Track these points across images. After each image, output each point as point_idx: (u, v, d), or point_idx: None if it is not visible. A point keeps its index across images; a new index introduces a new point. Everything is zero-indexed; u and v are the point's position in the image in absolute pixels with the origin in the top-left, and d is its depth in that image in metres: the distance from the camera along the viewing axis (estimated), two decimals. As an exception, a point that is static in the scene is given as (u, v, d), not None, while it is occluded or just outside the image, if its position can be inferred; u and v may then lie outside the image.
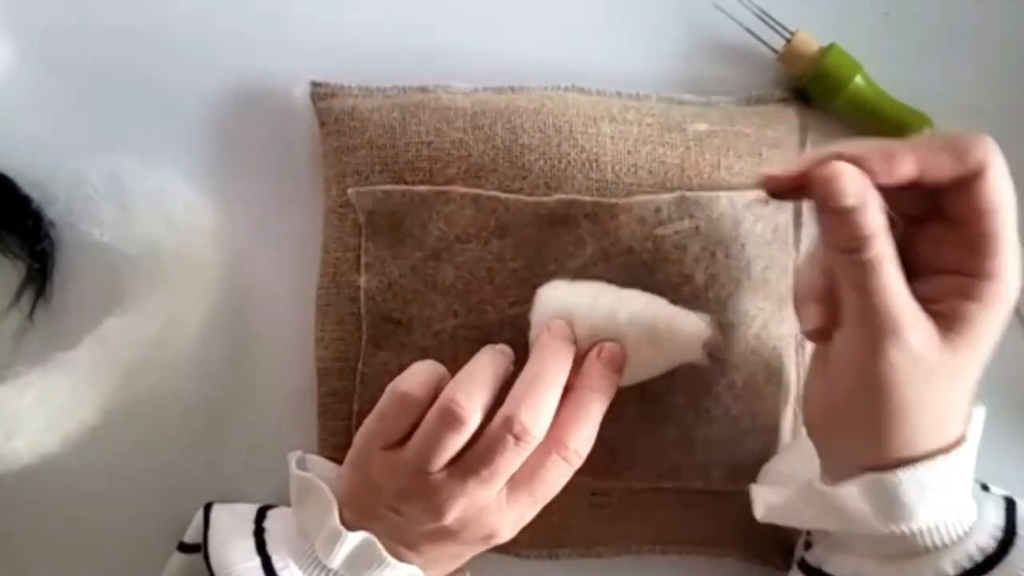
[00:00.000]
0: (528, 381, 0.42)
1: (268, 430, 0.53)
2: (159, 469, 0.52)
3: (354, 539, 0.44)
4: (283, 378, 0.53)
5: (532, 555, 0.51)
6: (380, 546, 0.44)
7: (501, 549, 0.51)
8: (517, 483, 0.43)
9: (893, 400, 0.40)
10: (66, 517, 0.53)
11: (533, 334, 0.46)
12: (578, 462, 0.43)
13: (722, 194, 0.49)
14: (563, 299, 0.45)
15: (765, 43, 0.53)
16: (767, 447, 0.50)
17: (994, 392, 0.53)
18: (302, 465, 0.49)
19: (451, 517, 0.43)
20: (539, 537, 0.51)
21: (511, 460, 0.42)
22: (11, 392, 0.48)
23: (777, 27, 0.53)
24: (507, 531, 0.44)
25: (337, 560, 0.44)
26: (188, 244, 0.51)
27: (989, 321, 0.40)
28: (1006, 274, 0.40)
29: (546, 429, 0.42)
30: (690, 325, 0.45)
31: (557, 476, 0.43)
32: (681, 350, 0.45)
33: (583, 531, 0.51)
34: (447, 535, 0.44)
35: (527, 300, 0.47)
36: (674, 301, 0.48)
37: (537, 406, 0.42)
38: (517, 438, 0.41)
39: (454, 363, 0.48)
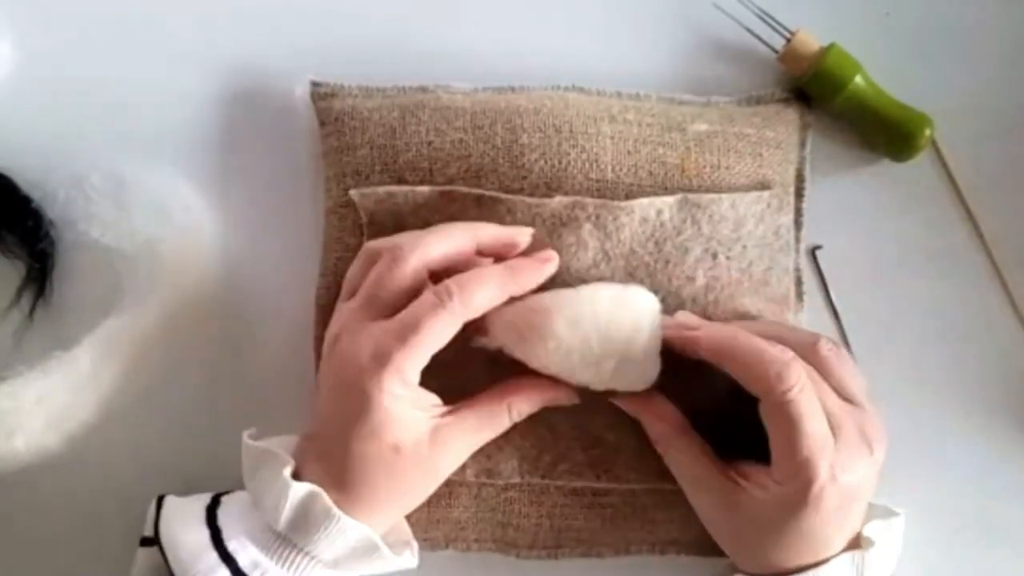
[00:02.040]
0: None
1: (268, 431, 0.52)
2: (159, 468, 0.52)
3: (299, 490, 0.43)
4: (283, 378, 0.53)
5: (532, 555, 0.51)
6: (327, 498, 0.43)
7: (501, 549, 0.51)
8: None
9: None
10: (65, 516, 0.53)
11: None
12: (447, 300, 0.43)
13: (724, 196, 0.49)
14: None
15: (765, 43, 0.53)
16: (767, 448, 0.50)
17: (994, 391, 0.54)
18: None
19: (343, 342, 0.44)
20: (539, 537, 0.51)
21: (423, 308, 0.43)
22: (11, 392, 0.48)
23: (777, 27, 0.53)
24: (367, 351, 0.43)
25: (283, 518, 0.43)
26: (186, 244, 0.51)
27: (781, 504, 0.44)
28: (792, 479, 0.43)
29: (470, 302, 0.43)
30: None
31: (423, 306, 0.43)
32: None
33: (583, 531, 0.51)
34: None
35: (528, 301, 0.47)
36: (676, 303, 0.49)
37: (470, 280, 0.44)
38: (438, 296, 0.43)
39: (454, 363, 0.48)
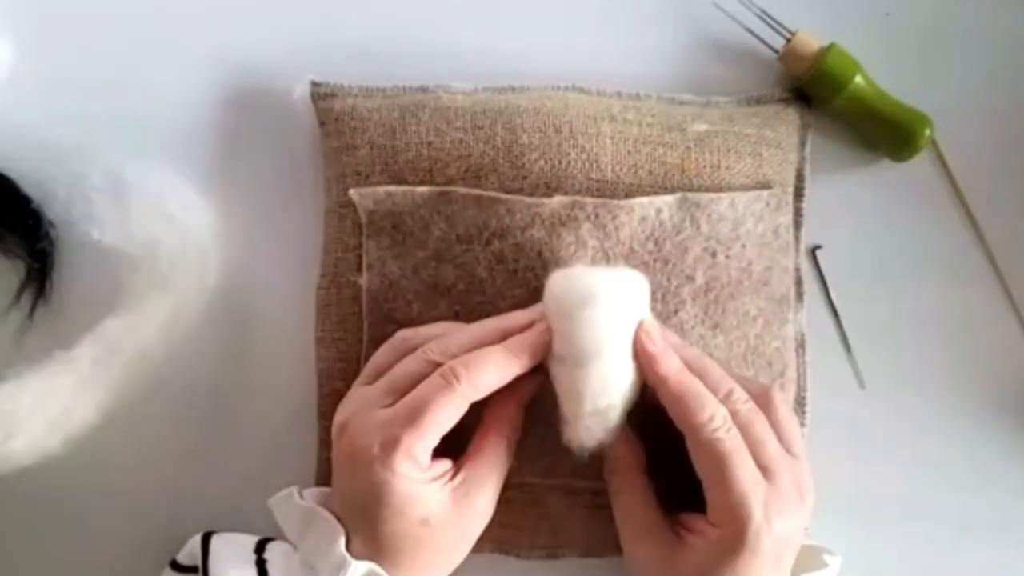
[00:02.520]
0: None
1: (268, 431, 0.53)
2: (158, 469, 0.52)
3: (359, 569, 0.43)
4: (283, 379, 0.53)
5: (532, 555, 0.51)
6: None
7: (501, 549, 0.51)
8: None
9: None
10: (62, 518, 0.52)
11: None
12: (455, 381, 0.43)
13: (723, 195, 0.49)
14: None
15: (765, 43, 0.53)
16: None
17: (994, 391, 0.54)
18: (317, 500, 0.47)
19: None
20: (539, 537, 0.51)
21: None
22: (11, 392, 0.47)
23: (777, 27, 0.53)
24: (375, 440, 0.43)
25: None
26: (186, 244, 0.51)
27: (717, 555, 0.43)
28: (727, 520, 0.43)
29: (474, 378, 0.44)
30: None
31: (430, 389, 0.43)
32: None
33: (583, 531, 0.51)
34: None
35: (528, 301, 0.47)
36: (675, 302, 0.49)
37: (476, 361, 0.44)
38: (446, 378, 0.43)
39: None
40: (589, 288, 0.44)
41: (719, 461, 0.43)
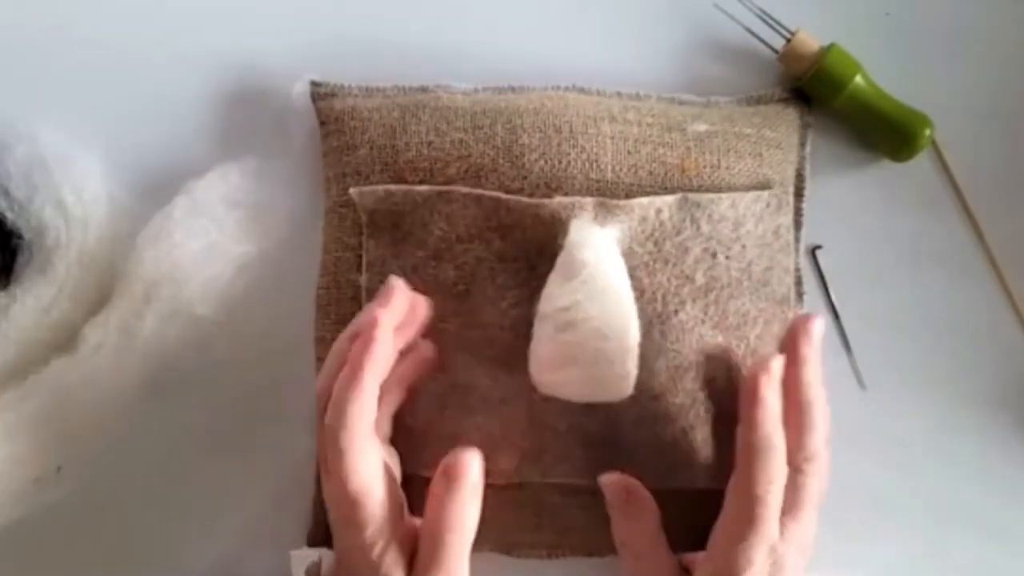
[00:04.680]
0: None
1: (267, 431, 0.53)
2: (157, 470, 0.52)
3: None
4: (283, 378, 0.53)
5: (532, 555, 0.51)
6: None
7: (501, 549, 0.51)
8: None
9: None
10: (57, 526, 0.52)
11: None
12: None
13: (723, 195, 0.49)
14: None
15: (765, 43, 0.53)
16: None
17: (994, 391, 0.54)
18: (312, 571, 0.47)
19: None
20: (539, 537, 0.51)
21: None
22: None
23: (777, 27, 0.53)
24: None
25: None
26: (77, 239, 0.50)
27: None
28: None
29: None
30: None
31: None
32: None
33: (583, 531, 0.51)
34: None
35: (528, 301, 0.47)
36: (675, 302, 0.49)
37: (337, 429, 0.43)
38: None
39: (455, 363, 0.48)
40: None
41: (741, 530, 0.44)
